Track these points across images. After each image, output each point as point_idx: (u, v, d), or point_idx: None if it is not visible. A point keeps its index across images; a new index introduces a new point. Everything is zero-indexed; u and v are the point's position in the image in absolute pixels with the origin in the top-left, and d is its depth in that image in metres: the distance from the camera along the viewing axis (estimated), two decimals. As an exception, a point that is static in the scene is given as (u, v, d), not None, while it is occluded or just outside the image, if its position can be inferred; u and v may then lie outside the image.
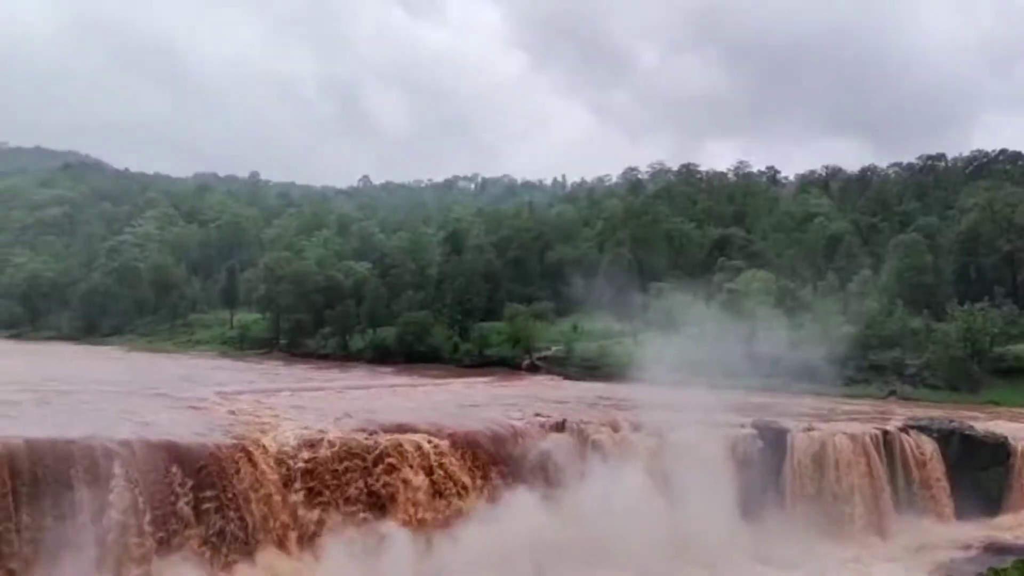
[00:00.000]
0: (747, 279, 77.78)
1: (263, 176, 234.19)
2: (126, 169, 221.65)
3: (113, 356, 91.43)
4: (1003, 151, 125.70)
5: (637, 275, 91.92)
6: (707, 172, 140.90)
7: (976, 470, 46.91)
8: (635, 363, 56.68)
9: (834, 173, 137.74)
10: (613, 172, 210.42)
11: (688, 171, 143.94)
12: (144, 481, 34.45)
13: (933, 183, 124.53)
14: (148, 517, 34.20)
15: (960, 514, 45.77)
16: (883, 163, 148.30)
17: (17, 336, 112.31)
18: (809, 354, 64.62)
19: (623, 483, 39.24)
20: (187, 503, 35.08)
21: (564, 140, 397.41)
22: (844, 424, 49.07)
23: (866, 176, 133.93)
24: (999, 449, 47.60)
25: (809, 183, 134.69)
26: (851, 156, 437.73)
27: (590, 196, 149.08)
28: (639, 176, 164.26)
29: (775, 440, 44.73)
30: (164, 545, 34.03)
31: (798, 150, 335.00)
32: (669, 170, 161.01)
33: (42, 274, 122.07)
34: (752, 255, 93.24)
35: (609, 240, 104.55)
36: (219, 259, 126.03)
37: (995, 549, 41.30)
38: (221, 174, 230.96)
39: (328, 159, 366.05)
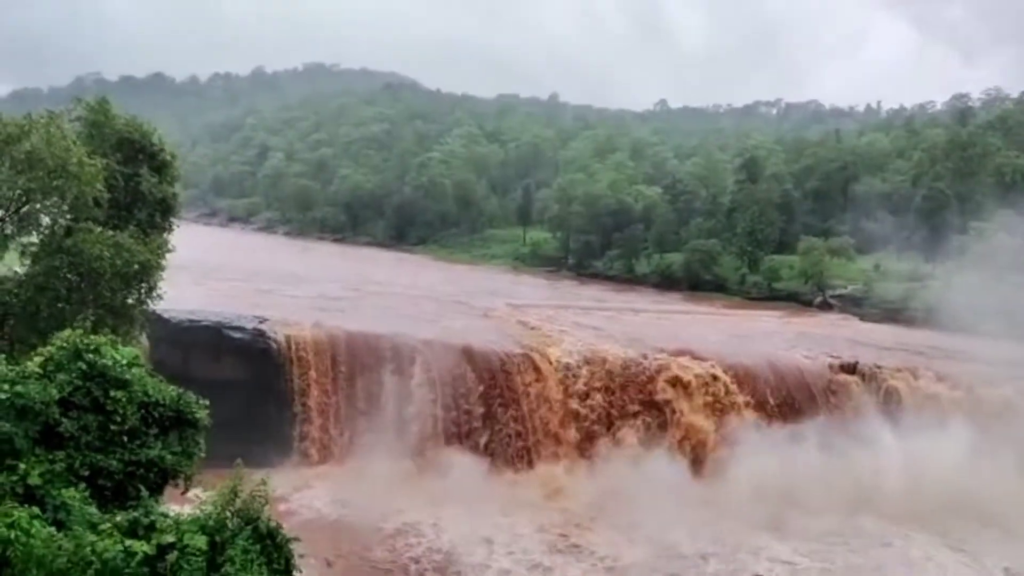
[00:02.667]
0: (1095, 224, 67.20)
1: (562, 98, 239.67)
2: (437, 89, 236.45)
3: (419, 264, 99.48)
4: None
5: (956, 213, 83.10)
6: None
7: None
8: (945, 309, 51.66)
9: None
10: (938, 99, 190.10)
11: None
12: (440, 378, 37.63)
13: None
14: (442, 409, 37.45)
15: None
16: None
17: (340, 240, 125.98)
18: None
19: (919, 434, 36.26)
20: (476, 402, 37.87)
21: (881, 61, 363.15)
22: None
23: None
24: None
25: None
26: None
27: (908, 125, 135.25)
28: (969, 104, 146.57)
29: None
30: (454, 437, 37.13)
31: None
32: (1007, 97, 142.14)
33: (363, 186, 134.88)
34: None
35: (926, 174, 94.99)
36: (516, 178, 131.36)
37: None
38: (522, 95, 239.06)
39: (625, 81, 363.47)
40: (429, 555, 28.64)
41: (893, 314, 68.08)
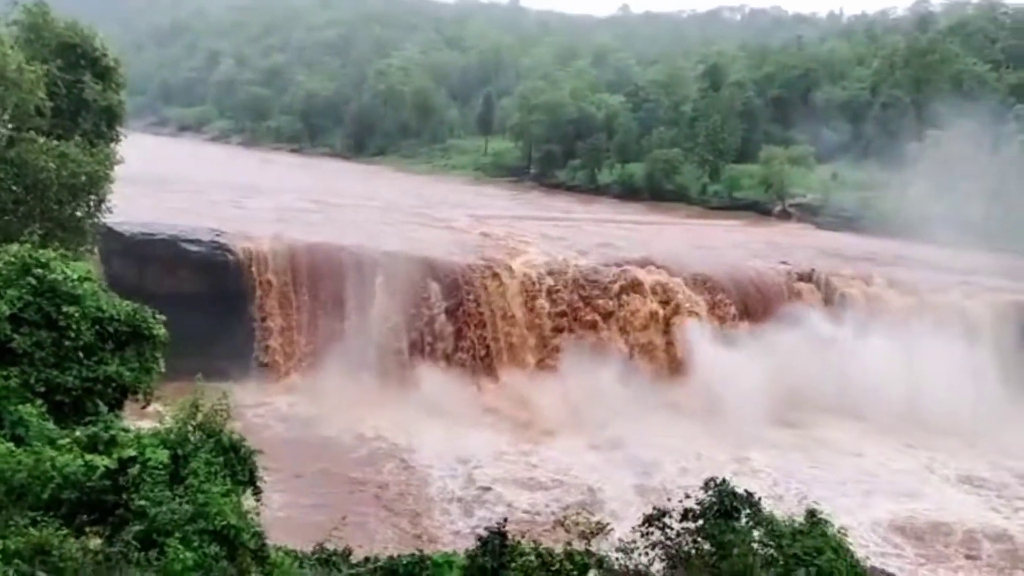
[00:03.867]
0: (1048, 130, 67.94)
1: (523, 3, 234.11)
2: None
3: (379, 175, 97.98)
4: None
5: (913, 121, 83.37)
6: (1014, 7, 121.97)
7: None
8: (900, 218, 52.51)
9: None
10: (900, 4, 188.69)
11: (991, 4, 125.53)
12: (402, 289, 37.57)
13: None
14: (404, 322, 37.52)
15: None
16: None
17: (297, 150, 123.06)
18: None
19: (870, 339, 37.33)
20: (439, 314, 37.98)
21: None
22: None
23: None
24: None
25: None
26: None
27: (869, 31, 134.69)
28: (930, 8, 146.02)
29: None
30: (417, 349, 37.32)
31: None
32: (968, 2, 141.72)
33: (319, 93, 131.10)
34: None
35: (885, 81, 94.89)
36: (477, 86, 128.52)
37: None
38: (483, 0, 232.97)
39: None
40: (395, 475, 28.83)
41: (849, 223, 68.83)
